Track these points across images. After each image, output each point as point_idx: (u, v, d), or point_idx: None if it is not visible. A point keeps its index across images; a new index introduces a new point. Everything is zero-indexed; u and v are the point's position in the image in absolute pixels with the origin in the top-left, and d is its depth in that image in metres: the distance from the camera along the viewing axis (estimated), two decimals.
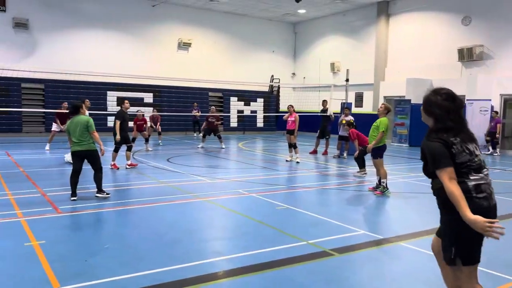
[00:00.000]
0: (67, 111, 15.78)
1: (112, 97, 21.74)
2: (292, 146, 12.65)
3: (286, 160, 12.72)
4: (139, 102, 22.34)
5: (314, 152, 14.95)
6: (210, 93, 25.31)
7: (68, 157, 10.61)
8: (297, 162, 12.38)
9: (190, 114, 22.21)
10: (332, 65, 25.52)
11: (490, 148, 16.69)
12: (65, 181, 8.95)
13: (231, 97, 25.79)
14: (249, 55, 26.86)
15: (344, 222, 6.13)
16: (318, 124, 15.54)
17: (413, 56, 21.16)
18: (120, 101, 21.50)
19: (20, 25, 19.92)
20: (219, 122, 16.43)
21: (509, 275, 4.24)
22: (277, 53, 28.15)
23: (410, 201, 7.84)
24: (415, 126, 19.52)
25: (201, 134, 16.26)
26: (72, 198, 7.10)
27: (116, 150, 10.68)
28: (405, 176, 10.65)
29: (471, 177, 2.83)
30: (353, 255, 4.82)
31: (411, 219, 6.52)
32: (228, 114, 25.22)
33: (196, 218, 6.32)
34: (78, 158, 7.30)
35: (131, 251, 4.76)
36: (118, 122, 10.58)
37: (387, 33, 22.46)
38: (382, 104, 8.43)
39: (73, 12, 21.30)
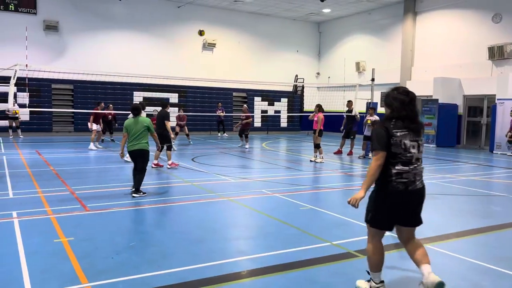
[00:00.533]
0: (106, 111, 16.52)
1: (138, 97, 22.09)
2: (315, 146, 12.59)
3: (310, 160, 12.66)
4: (165, 102, 22.59)
5: (339, 152, 14.82)
6: (234, 93, 25.42)
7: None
8: (316, 162, 12.34)
9: (215, 114, 22.37)
10: (357, 64, 25.23)
11: None
12: (93, 179, 9.18)
13: (255, 97, 25.84)
14: (273, 55, 26.84)
15: None
16: (342, 124, 15.43)
17: (441, 54, 20.70)
18: (146, 101, 21.89)
19: (51, 27, 20.50)
20: (248, 121, 16.20)
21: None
22: (301, 53, 28.03)
23: (436, 203, 7.67)
24: (442, 126, 19.10)
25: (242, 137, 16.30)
26: (142, 194, 7.53)
27: (161, 150, 10.69)
28: (432, 177, 10.44)
29: (397, 167, 3.54)
30: None
31: (437, 221, 6.38)
32: (252, 114, 25.24)
33: (220, 217, 6.36)
34: (135, 156, 7.62)
35: (156, 249, 4.83)
36: (168, 123, 10.94)
37: (413, 32, 22.04)
38: None
39: (101, 15, 21.78)
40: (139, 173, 7.55)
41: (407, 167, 3.58)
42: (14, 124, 18.61)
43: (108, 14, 21.97)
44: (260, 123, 26.20)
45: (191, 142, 17.31)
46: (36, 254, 4.57)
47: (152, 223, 6.10)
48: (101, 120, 15.88)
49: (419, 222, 3.81)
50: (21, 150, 14.06)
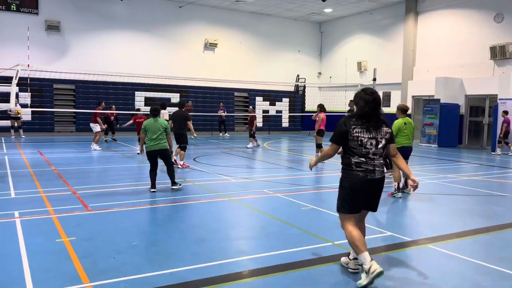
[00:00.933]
0: (109, 112, 16.56)
1: (140, 97, 22.15)
2: (317, 146, 12.56)
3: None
4: (166, 102, 22.64)
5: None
6: (236, 93, 25.43)
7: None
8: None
9: (216, 114, 22.38)
10: (359, 64, 25.22)
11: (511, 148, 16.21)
12: (94, 179, 9.19)
13: (256, 97, 25.85)
14: (274, 55, 26.84)
15: (370, 223, 6.05)
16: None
17: (443, 54, 20.68)
18: (148, 101, 21.93)
19: (52, 27, 20.54)
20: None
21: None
22: (302, 53, 28.03)
23: (438, 203, 7.66)
24: (444, 126, 19.07)
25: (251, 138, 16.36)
26: (152, 190, 7.84)
27: (184, 149, 10.88)
28: (433, 177, 10.42)
29: (355, 158, 4.02)
30: (379, 257, 4.74)
31: (439, 221, 6.37)
32: (254, 114, 25.24)
33: (221, 217, 6.36)
34: (153, 156, 7.96)
35: (158, 249, 4.84)
36: (190, 123, 10.88)
37: (415, 32, 22.02)
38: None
39: (102, 15, 21.81)
40: (168, 168, 8.11)
41: (364, 159, 4.03)
42: (16, 124, 18.65)
43: (109, 14, 22.00)
44: (261, 123, 26.21)
45: (193, 141, 17.28)
46: (37, 253, 4.58)
47: (154, 223, 6.11)
48: (101, 120, 15.78)
49: (375, 208, 4.27)
50: (23, 150, 14.09)
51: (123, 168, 10.96)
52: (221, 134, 22.67)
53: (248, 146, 15.89)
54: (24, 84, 18.13)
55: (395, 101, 23.01)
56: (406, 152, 7.93)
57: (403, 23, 22.45)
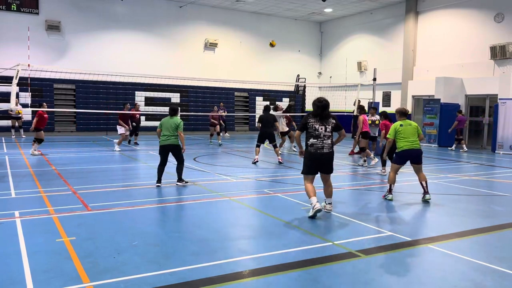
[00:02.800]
0: (134, 111, 16.17)
1: (140, 97, 22.16)
2: (361, 149, 12.51)
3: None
4: (166, 102, 22.70)
5: (354, 153, 14.70)
6: (236, 93, 25.44)
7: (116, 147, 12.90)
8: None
9: (216, 113, 22.36)
10: (359, 64, 25.23)
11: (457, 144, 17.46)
12: (95, 179, 9.20)
13: (256, 97, 25.86)
14: (274, 54, 26.83)
15: (370, 223, 6.06)
16: (345, 124, 15.47)
17: (443, 54, 20.69)
18: (148, 101, 21.95)
19: (53, 27, 20.55)
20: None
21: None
22: (303, 53, 28.03)
23: (438, 203, 7.66)
24: (444, 126, 19.06)
25: (223, 135, 16.08)
26: (157, 184, 8.33)
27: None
28: (434, 177, 10.42)
29: (311, 139, 6.33)
30: (379, 256, 4.75)
31: (440, 221, 6.38)
32: (254, 114, 25.28)
33: (221, 217, 6.37)
34: (164, 151, 8.47)
35: (158, 248, 4.84)
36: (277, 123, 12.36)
37: (415, 31, 22.03)
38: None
39: (103, 15, 21.82)
40: (178, 165, 8.56)
41: (317, 140, 6.32)
42: (17, 124, 18.64)
43: (110, 14, 22.01)
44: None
45: (211, 142, 17.06)
46: (38, 253, 4.59)
47: (154, 223, 6.11)
48: (129, 121, 15.43)
49: (330, 171, 6.52)
50: (23, 150, 14.10)
51: (123, 168, 10.97)
52: (221, 134, 22.62)
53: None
54: (24, 84, 18.14)
55: (395, 101, 23.06)
56: (411, 156, 7.51)
57: (403, 23, 22.46)
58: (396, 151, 7.62)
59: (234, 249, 4.97)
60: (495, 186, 9.72)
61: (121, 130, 14.70)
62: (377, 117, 13.52)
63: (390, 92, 23.46)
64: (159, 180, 8.40)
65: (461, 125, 17.43)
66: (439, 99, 19.10)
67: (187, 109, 23.28)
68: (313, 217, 6.11)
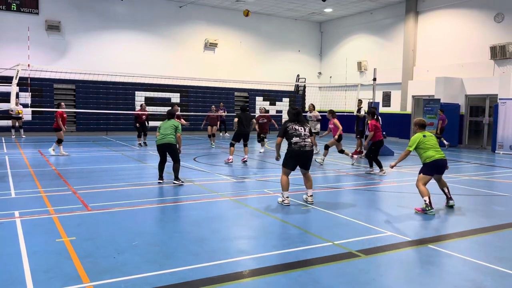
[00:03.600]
0: (140, 112, 16.11)
1: (140, 97, 22.16)
2: (325, 147, 12.33)
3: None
4: (166, 102, 22.71)
5: (357, 152, 14.68)
6: (236, 93, 25.44)
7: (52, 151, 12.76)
8: (321, 164, 11.99)
9: (216, 114, 22.35)
10: (359, 64, 25.23)
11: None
12: (95, 179, 9.20)
13: (256, 97, 25.86)
14: (275, 54, 26.84)
15: (370, 223, 6.06)
16: (346, 124, 15.49)
17: (443, 54, 20.68)
18: (148, 101, 21.92)
19: (53, 27, 20.55)
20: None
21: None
22: (303, 53, 28.03)
23: (438, 203, 7.66)
24: (444, 126, 19.06)
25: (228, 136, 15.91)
26: (159, 181, 8.66)
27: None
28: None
29: (294, 138, 7.03)
30: (379, 256, 4.75)
31: (440, 221, 6.38)
32: (254, 114, 25.27)
33: (221, 217, 6.37)
34: (161, 150, 8.69)
35: (158, 248, 4.84)
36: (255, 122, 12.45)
37: (415, 31, 22.03)
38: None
39: (102, 15, 21.82)
40: (174, 164, 8.67)
41: (299, 138, 7.04)
42: (17, 124, 18.64)
43: (109, 14, 22.01)
44: None
45: (213, 146, 16.68)
46: (38, 253, 4.59)
47: (154, 223, 6.11)
48: (135, 122, 15.55)
49: (308, 168, 7.28)
50: (23, 150, 14.10)
51: (123, 168, 10.96)
52: (221, 134, 22.66)
53: (261, 150, 14.93)
54: (24, 84, 18.13)
55: (395, 101, 23.06)
56: (440, 166, 7.05)
57: (403, 23, 22.45)
58: (426, 161, 7.01)
59: (234, 249, 4.97)
60: (495, 186, 9.72)
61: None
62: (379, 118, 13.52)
63: (390, 92, 23.46)
64: (160, 177, 8.72)
65: (444, 123, 18.23)
66: (439, 99, 19.10)
67: (187, 109, 23.28)
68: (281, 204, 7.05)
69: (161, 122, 8.95)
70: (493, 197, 8.26)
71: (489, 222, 6.35)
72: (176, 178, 8.66)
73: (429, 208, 6.67)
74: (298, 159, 7.07)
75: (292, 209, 6.88)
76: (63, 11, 20.89)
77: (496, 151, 16.87)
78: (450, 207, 7.18)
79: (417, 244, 5.21)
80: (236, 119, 12.38)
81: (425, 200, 6.72)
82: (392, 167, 7.40)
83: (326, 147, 12.34)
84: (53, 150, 12.91)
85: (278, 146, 7.31)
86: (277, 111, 26.46)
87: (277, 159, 7.52)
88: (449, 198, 7.22)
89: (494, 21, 18.47)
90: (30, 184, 8.34)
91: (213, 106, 17.70)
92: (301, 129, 7.07)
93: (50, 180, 8.86)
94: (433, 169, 6.99)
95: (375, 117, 11.47)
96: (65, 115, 13.20)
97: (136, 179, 9.37)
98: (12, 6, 19.77)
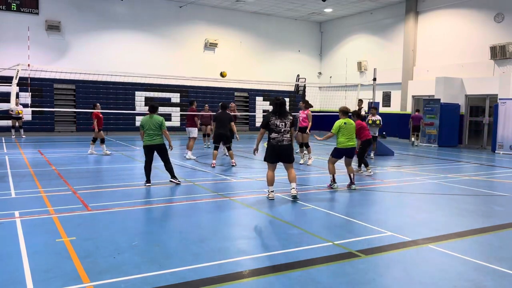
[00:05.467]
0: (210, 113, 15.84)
1: (140, 97, 22.16)
2: (304, 145, 11.91)
3: (300, 163, 11.73)
4: (166, 102, 22.71)
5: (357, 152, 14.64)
6: (236, 93, 25.44)
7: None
8: (308, 165, 11.69)
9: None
10: (359, 64, 25.23)
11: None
12: (95, 179, 9.20)
13: (256, 97, 25.86)
14: (275, 54, 26.85)
15: (370, 223, 6.06)
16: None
17: (443, 54, 20.69)
18: (148, 101, 21.92)
19: (53, 27, 20.55)
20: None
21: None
22: (303, 53, 28.04)
23: (438, 202, 7.66)
24: (445, 126, 19.07)
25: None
26: (147, 185, 8.32)
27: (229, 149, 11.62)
28: (434, 177, 10.43)
29: (273, 134, 7.32)
30: (379, 256, 4.75)
31: (440, 221, 6.38)
32: (254, 114, 25.30)
33: (221, 217, 6.37)
34: (150, 151, 8.44)
35: (158, 248, 4.84)
36: (233, 124, 11.63)
37: (415, 31, 22.03)
38: None
39: (103, 15, 21.82)
40: (165, 165, 8.58)
41: (277, 134, 7.32)
42: (17, 124, 18.64)
43: (110, 14, 22.01)
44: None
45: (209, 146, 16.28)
46: (38, 253, 4.59)
47: (154, 223, 6.11)
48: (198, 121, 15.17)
49: (290, 161, 7.46)
50: (23, 150, 14.10)
51: (123, 168, 10.96)
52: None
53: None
54: (24, 84, 18.14)
55: (395, 101, 23.06)
56: (348, 153, 8.59)
57: (403, 23, 22.46)
58: (337, 146, 8.54)
59: (234, 249, 4.97)
60: (495, 186, 9.72)
61: (193, 132, 13.47)
62: (378, 117, 13.53)
63: (390, 92, 23.47)
64: (148, 181, 8.39)
65: (415, 122, 19.13)
66: (439, 99, 19.11)
67: (187, 109, 23.25)
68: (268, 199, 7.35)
69: (142, 117, 8.61)
70: (493, 197, 8.26)
71: (489, 222, 6.35)
72: (173, 176, 8.60)
73: (333, 183, 8.51)
74: (277, 153, 7.36)
75: (292, 209, 6.88)
76: (63, 11, 20.89)
77: (496, 151, 16.87)
78: (352, 190, 8.45)
79: (417, 244, 5.21)
80: (213, 119, 11.81)
81: (330, 177, 8.58)
82: (318, 139, 9.04)
83: (302, 145, 11.94)
84: (106, 150, 13.37)
85: (259, 138, 7.55)
86: None
87: (255, 152, 7.67)
88: (352, 183, 8.59)
89: (494, 21, 18.47)
90: (30, 184, 8.34)
91: (206, 105, 17.54)
92: (281, 124, 7.28)
93: (50, 180, 8.86)
94: (341, 154, 8.62)
95: (361, 118, 11.47)
96: (101, 115, 13.45)
97: (136, 179, 9.36)
98: (12, 6, 19.77)
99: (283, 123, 7.32)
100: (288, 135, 7.40)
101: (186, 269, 4.22)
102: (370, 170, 10.50)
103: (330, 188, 8.48)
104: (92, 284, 3.84)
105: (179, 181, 8.63)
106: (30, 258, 4.43)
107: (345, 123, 8.52)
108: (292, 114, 7.65)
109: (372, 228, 5.81)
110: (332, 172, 8.59)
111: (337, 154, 8.66)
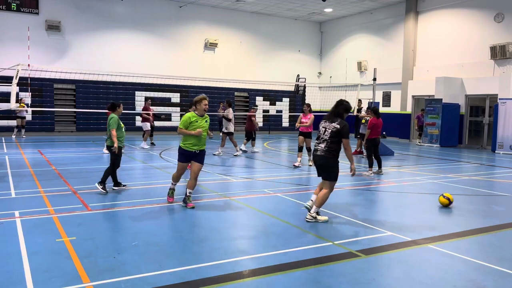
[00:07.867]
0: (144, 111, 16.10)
1: (140, 97, 22.15)
2: (307, 150, 11.80)
3: (294, 166, 11.35)
4: (166, 102, 22.71)
5: (357, 152, 14.68)
6: (236, 93, 25.44)
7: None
8: (310, 165, 11.58)
9: (216, 113, 22.37)
10: (359, 64, 25.23)
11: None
12: (95, 179, 9.19)
13: (256, 97, 25.86)
14: (275, 54, 26.85)
15: (370, 223, 6.06)
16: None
17: (443, 54, 20.69)
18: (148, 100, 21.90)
19: (53, 27, 20.55)
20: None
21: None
22: (303, 53, 28.04)
23: (438, 202, 7.66)
24: (446, 126, 19.07)
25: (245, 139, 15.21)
26: (113, 188, 7.99)
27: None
28: (434, 176, 10.43)
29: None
30: (379, 256, 4.75)
31: (440, 221, 6.38)
32: (254, 114, 25.28)
33: (221, 217, 6.37)
34: (120, 154, 8.03)
35: (158, 248, 4.84)
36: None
37: (415, 31, 22.03)
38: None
39: (103, 14, 21.82)
40: (109, 166, 7.95)
41: (317, 140, 6.07)
42: (21, 124, 18.53)
43: (110, 14, 22.01)
44: (261, 123, 26.23)
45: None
46: (38, 253, 4.59)
47: (154, 223, 6.10)
48: (151, 119, 15.51)
49: (324, 177, 6.08)
50: (23, 150, 14.10)
51: (123, 168, 10.95)
52: (221, 134, 22.63)
53: (254, 149, 14.94)
54: (24, 84, 18.15)
55: (395, 101, 23.06)
56: (194, 155, 7.15)
57: (404, 22, 22.45)
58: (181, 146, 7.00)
59: (234, 249, 4.97)
60: (495, 186, 9.72)
61: (147, 126, 15.34)
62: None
63: (390, 92, 23.46)
64: (115, 184, 8.01)
65: (420, 122, 19.78)
66: (441, 99, 19.10)
67: (187, 109, 23.26)
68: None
69: (109, 116, 8.00)
70: (493, 197, 8.26)
71: (489, 222, 6.35)
72: (101, 182, 7.64)
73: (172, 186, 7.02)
74: (314, 162, 6.31)
75: (292, 209, 6.88)
76: (63, 11, 20.89)
77: (496, 151, 16.87)
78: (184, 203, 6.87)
79: (417, 244, 5.21)
80: None
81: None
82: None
83: (301, 149, 11.81)
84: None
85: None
86: (277, 111, 26.49)
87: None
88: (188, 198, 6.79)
89: (494, 21, 18.46)
90: (30, 184, 8.34)
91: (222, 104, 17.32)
92: (322, 130, 6.09)
93: (50, 180, 8.86)
94: (185, 156, 6.97)
95: (378, 115, 11.17)
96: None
97: (136, 179, 9.37)
98: (12, 6, 19.77)
99: (324, 129, 5.97)
100: (323, 145, 5.87)
101: (186, 269, 4.22)
102: (371, 172, 10.50)
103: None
104: (92, 284, 3.83)
105: (105, 190, 7.61)
106: (30, 258, 4.43)
107: (197, 121, 7.27)
108: (344, 122, 5.99)
109: (372, 228, 5.81)
110: (175, 180, 7.23)
111: (183, 157, 7.15)
